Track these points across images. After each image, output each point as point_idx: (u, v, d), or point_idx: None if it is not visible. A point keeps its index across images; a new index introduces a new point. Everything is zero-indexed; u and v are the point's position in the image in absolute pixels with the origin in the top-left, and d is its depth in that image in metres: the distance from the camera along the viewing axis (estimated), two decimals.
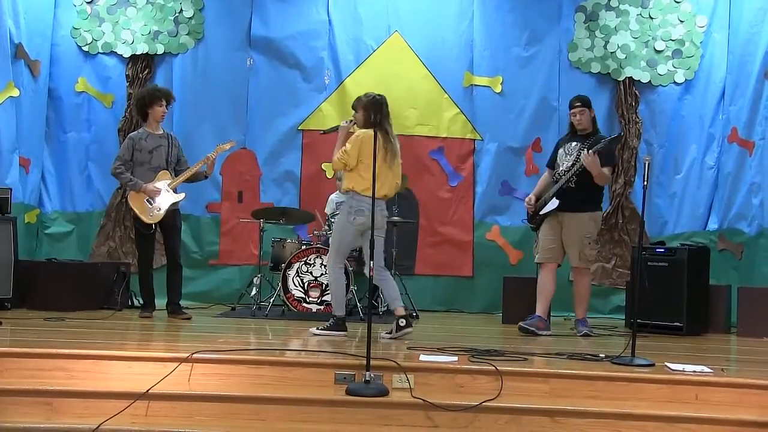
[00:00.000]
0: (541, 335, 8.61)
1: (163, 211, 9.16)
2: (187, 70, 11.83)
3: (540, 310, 8.85)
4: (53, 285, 9.79)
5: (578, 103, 8.93)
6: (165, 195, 9.18)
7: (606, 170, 8.63)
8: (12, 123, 10.68)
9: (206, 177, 9.59)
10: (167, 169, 9.31)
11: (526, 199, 9.15)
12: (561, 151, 8.97)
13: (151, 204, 9.14)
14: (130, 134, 9.50)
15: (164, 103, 9.42)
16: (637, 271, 7.66)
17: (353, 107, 8.21)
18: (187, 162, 9.61)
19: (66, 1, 11.77)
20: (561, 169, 8.85)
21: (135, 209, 9.20)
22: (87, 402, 5.88)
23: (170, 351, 6.44)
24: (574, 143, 8.84)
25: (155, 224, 9.23)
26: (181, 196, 9.34)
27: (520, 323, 8.76)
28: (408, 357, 6.60)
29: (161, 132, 9.45)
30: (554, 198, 8.78)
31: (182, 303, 10.59)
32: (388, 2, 11.88)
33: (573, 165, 8.69)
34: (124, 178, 9.20)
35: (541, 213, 8.90)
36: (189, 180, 9.46)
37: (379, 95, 8.12)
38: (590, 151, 8.44)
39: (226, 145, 9.61)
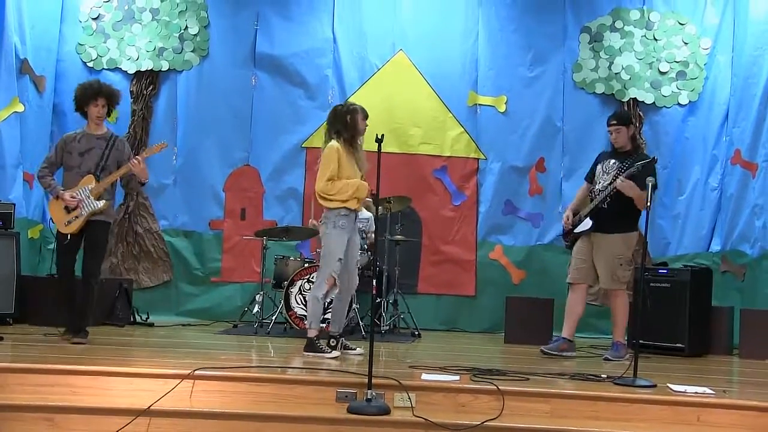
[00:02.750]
0: (564, 356, 8.53)
1: (80, 221, 8.21)
2: (192, 86, 11.83)
3: (567, 331, 8.66)
4: (55, 301, 9.76)
5: (614, 121, 8.71)
6: (85, 202, 8.21)
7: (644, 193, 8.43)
8: (16, 138, 10.67)
9: (142, 184, 8.75)
10: (95, 174, 8.28)
11: (564, 216, 8.94)
12: (599, 168, 8.78)
13: (69, 212, 8.22)
14: (64, 134, 8.69)
15: (101, 103, 8.38)
16: (639, 292, 7.67)
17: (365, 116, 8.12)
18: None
19: (72, 17, 11.79)
20: (597, 187, 8.67)
21: (53, 217, 8.44)
22: (88, 418, 5.88)
23: (172, 368, 6.43)
24: (612, 161, 8.65)
25: (74, 234, 8.27)
26: (101, 204, 8.25)
27: (543, 348, 8.60)
28: (410, 376, 6.59)
29: (102, 132, 8.48)
30: (588, 218, 8.64)
31: (184, 320, 10.61)
32: (394, 21, 11.91)
33: (607, 186, 8.59)
34: (45, 182, 8.38)
35: (575, 231, 8.76)
36: (125, 188, 8.88)
37: None
38: (622, 177, 8.29)
39: (156, 147, 8.66)
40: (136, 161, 8.24)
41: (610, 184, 8.51)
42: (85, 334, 8.19)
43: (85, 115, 8.47)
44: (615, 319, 8.80)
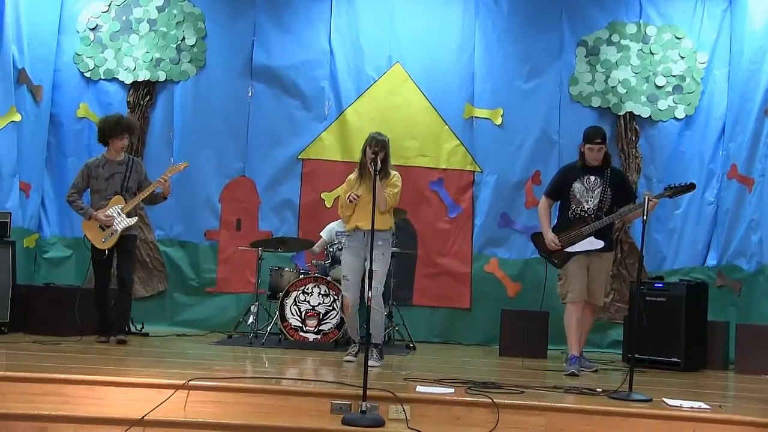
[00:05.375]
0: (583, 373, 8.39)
1: (116, 237, 9.22)
2: (188, 97, 11.85)
3: (578, 349, 8.54)
4: (50, 310, 9.76)
5: (599, 140, 8.50)
6: (117, 220, 9.19)
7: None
8: (13, 148, 10.68)
9: (164, 198, 9.64)
10: (122, 194, 9.30)
11: (550, 239, 8.63)
12: (578, 185, 8.61)
13: (104, 230, 9.22)
14: (87, 161, 9.60)
15: (126, 136, 9.48)
16: (635, 306, 7.65)
17: (376, 147, 7.88)
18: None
19: (69, 28, 11.81)
20: (589, 205, 8.52)
21: (88, 236, 9.30)
22: (82, 427, 5.86)
23: (166, 378, 6.41)
24: (592, 177, 8.54)
25: (110, 248, 9.29)
26: (134, 220, 9.35)
27: (571, 371, 8.28)
28: (404, 388, 6.57)
29: (122, 158, 9.46)
30: (592, 237, 8.45)
31: (178, 330, 10.61)
32: (390, 33, 11.92)
33: (602, 203, 8.49)
34: (76, 206, 9.32)
35: (578, 251, 8.54)
36: (147, 203, 9.79)
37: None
38: (651, 197, 7.65)
39: (180, 166, 9.70)
40: (162, 180, 9.34)
41: (602, 201, 8.46)
42: (126, 333, 9.52)
43: (106, 144, 9.43)
44: (586, 334, 8.86)
